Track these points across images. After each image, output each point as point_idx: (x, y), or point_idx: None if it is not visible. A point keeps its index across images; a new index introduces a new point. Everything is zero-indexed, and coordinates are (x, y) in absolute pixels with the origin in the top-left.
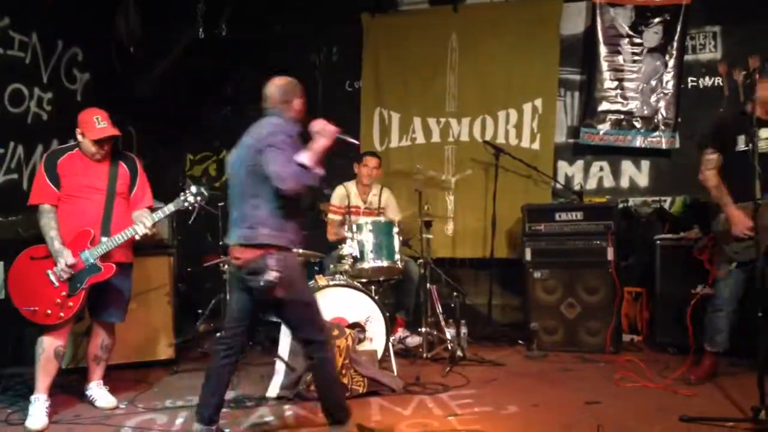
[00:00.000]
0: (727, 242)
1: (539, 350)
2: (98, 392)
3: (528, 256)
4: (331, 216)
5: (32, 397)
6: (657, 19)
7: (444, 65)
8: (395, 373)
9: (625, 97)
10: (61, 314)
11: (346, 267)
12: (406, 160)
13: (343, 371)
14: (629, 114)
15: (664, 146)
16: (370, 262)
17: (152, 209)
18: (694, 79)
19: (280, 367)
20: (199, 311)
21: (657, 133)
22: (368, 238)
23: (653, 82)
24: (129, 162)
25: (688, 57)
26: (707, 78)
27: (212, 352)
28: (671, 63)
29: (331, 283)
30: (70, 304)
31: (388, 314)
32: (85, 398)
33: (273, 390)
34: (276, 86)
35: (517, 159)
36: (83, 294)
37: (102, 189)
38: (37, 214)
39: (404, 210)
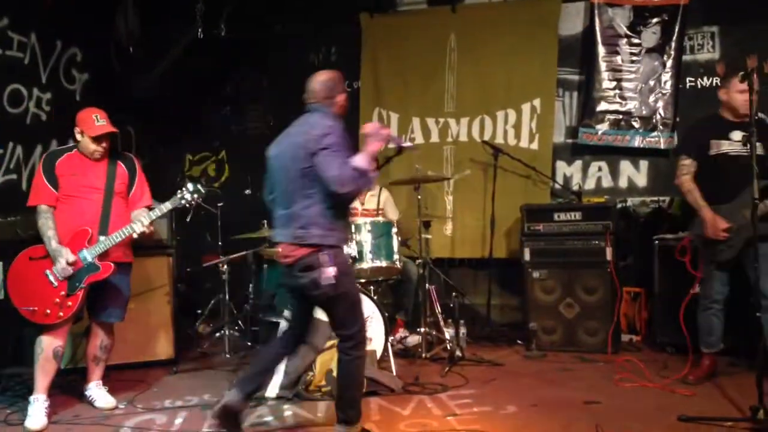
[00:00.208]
0: (703, 244)
1: (538, 350)
2: (97, 392)
3: (527, 256)
4: None
5: (31, 398)
6: (655, 20)
7: (443, 65)
8: (394, 373)
9: (623, 98)
10: (60, 314)
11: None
12: (405, 160)
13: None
14: (627, 114)
15: (662, 146)
16: (368, 263)
17: (151, 209)
18: (693, 79)
19: (279, 368)
20: (199, 311)
21: (655, 133)
22: (367, 239)
23: (651, 83)
24: (127, 162)
25: (686, 57)
26: (705, 78)
27: (275, 337)
28: (669, 63)
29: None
30: (69, 303)
31: (387, 314)
32: (84, 398)
33: (272, 390)
34: (319, 81)
35: (516, 159)
36: (82, 293)
37: (100, 188)
38: (35, 214)
39: (401, 205)
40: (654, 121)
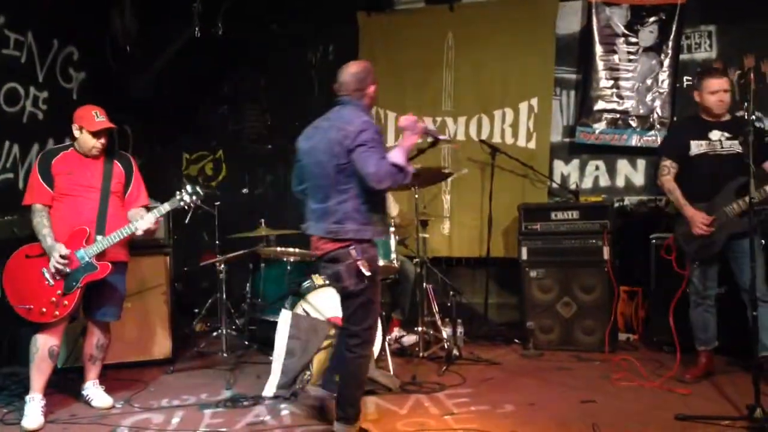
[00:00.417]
0: (686, 242)
1: (535, 349)
2: (94, 392)
3: (524, 255)
4: None
5: (27, 397)
6: (652, 19)
7: (440, 64)
8: (392, 372)
9: (620, 96)
10: (57, 313)
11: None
12: None
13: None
14: (625, 113)
15: (659, 145)
16: None
17: (148, 208)
18: (690, 78)
19: (276, 367)
20: (196, 311)
21: (653, 132)
22: None
23: (649, 82)
24: (124, 161)
25: (684, 56)
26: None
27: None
28: (667, 62)
29: (327, 282)
30: (66, 302)
31: (384, 313)
32: (81, 398)
33: (269, 389)
34: (350, 73)
35: (514, 158)
36: (79, 293)
37: (96, 187)
38: (30, 213)
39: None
40: (651, 120)
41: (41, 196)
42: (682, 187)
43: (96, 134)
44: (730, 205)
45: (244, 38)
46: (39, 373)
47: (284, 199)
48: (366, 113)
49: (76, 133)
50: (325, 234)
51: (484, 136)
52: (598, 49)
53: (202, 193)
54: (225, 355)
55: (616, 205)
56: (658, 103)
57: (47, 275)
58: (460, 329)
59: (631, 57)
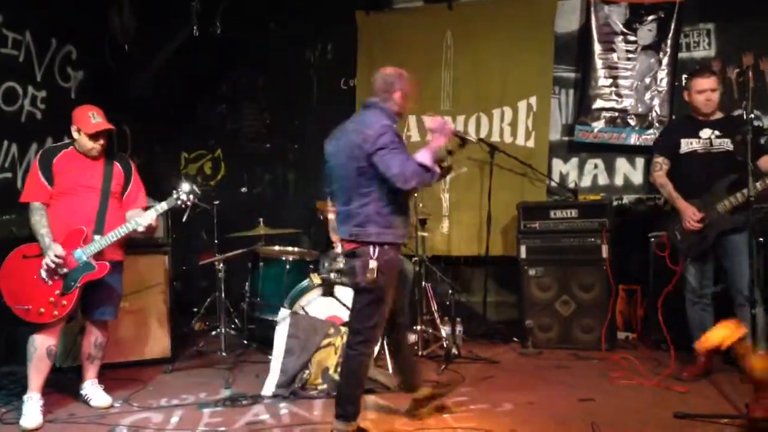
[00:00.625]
0: (678, 239)
1: (534, 347)
2: (93, 391)
3: (523, 253)
4: (331, 216)
5: (25, 396)
6: (651, 17)
7: (439, 63)
8: (390, 371)
9: (619, 95)
10: (55, 313)
11: (341, 265)
12: None
13: (339, 369)
14: (624, 111)
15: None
16: None
17: (146, 209)
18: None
19: (275, 366)
20: (195, 309)
21: (651, 131)
22: None
23: (647, 80)
24: (123, 162)
25: (682, 54)
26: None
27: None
28: (665, 60)
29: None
30: (64, 302)
31: None
32: (79, 397)
33: (268, 388)
34: (380, 75)
35: (512, 157)
36: (77, 292)
37: (96, 188)
38: (28, 211)
39: None
40: (650, 118)
41: (40, 194)
42: (673, 183)
43: (93, 136)
44: (721, 202)
45: (243, 37)
46: (37, 373)
47: (283, 198)
48: (388, 117)
49: (75, 134)
50: (349, 237)
51: (483, 135)
52: (597, 48)
53: (198, 191)
54: (224, 354)
55: (615, 203)
56: (656, 101)
57: (45, 275)
58: (459, 328)
59: (630, 55)
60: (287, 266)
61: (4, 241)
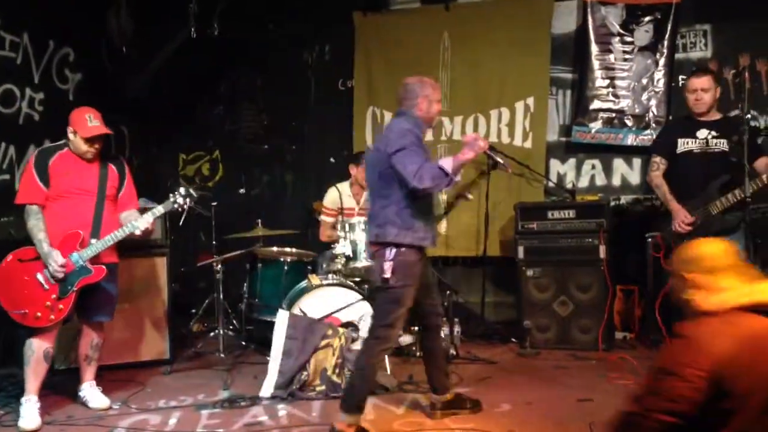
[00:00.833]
0: (671, 239)
1: (532, 348)
2: (91, 393)
3: (521, 254)
4: (323, 218)
5: (23, 399)
6: (648, 18)
7: (436, 64)
8: (388, 372)
9: (616, 96)
10: (52, 317)
11: (339, 266)
12: None
13: (337, 370)
14: (621, 112)
15: (651, 145)
16: (362, 261)
17: (141, 211)
18: (685, 77)
19: (273, 367)
20: (193, 311)
21: (648, 132)
22: (361, 238)
23: (644, 81)
24: (118, 164)
25: (679, 55)
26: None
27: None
28: (662, 61)
29: (324, 282)
30: (61, 306)
31: None
32: (78, 399)
33: (266, 390)
34: (404, 84)
35: (510, 157)
36: (73, 296)
37: (92, 191)
38: (24, 214)
39: None
40: (647, 119)
41: (35, 196)
42: (669, 184)
43: (89, 140)
44: (713, 203)
45: (241, 38)
46: (35, 376)
47: (281, 200)
48: (413, 123)
49: (71, 136)
50: (373, 238)
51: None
52: (594, 49)
53: (195, 194)
54: (222, 355)
55: (612, 204)
56: (653, 102)
57: (41, 279)
58: (456, 328)
59: (627, 56)
60: (285, 267)
61: (3, 243)
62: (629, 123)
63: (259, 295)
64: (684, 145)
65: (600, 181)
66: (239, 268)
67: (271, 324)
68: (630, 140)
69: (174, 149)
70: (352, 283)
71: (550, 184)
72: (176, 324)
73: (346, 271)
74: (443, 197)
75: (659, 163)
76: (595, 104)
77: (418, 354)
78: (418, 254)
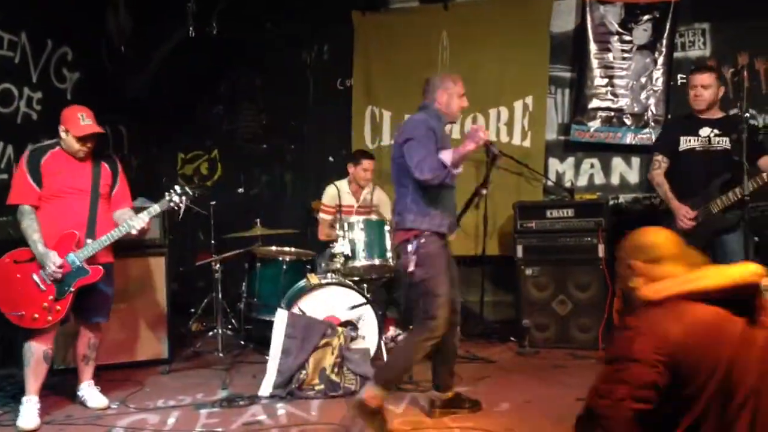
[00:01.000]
0: None
1: (531, 347)
2: (90, 392)
3: (519, 253)
4: (322, 216)
5: (23, 399)
6: (646, 17)
7: (435, 63)
8: None
9: (615, 94)
10: (49, 318)
11: (338, 265)
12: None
13: (336, 369)
14: (619, 111)
15: (654, 143)
16: (361, 260)
17: (135, 210)
18: (684, 76)
19: (272, 366)
20: (192, 310)
21: (647, 130)
22: (360, 237)
23: (643, 79)
24: (110, 162)
25: (678, 54)
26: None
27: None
28: (661, 60)
29: (322, 281)
30: (58, 307)
31: (380, 312)
32: (76, 399)
33: (265, 389)
34: (427, 79)
35: (508, 156)
36: (71, 297)
37: (85, 190)
38: (17, 215)
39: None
40: (645, 117)
41: (28, 196)
42: (671, 182)
43: (81, 139)
44: (713, 202)
45: (239, 38)
46: (34, 377)
47: (280, 199)
48: (431, 116)
49: (62, 134)
50: (395, 226)
51: None
52: (593, 48)
53: (191, 192)
54: (221, 354)
55: (611, 202)
56: (652, 101)
57: (38, 281)
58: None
59: (626, 55)
60: (284, 266)
61: (2, 243)
62: (628, 122)
63: (258, 294)
64: (686, 143)
65: (599, 179)
66: (238, 268)
67: (270, 323)
68: (629, 139)
69: (173, 149)
70: (350, 283)
71: (549, 183)
72: (175, 323)
73: (344, 270)
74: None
75: (661, 161)
76: (594, 103)
77: None
78: (439, 242)
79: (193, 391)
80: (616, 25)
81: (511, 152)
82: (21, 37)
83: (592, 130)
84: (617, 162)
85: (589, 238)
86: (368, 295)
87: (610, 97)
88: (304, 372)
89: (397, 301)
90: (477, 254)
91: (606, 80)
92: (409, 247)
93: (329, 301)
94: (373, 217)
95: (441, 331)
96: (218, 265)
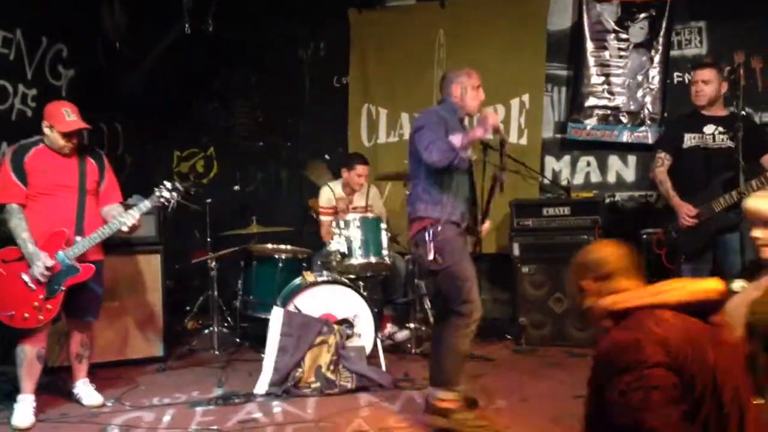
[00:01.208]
0: (674, 235)
1: (527, 345)
2: (85, 390)
3: (516, 251)
4: (322, 218)
5: (18, 397)
6: (643, 15)
7: (431, 61)
8: (384, 369)
9: (611, 93)
10: (40, 317)
11: (334, 263)
12: (393, 155)
13: (332, 367)
14: (616, 109)
15: (650, 141)
16: (357, 258)
17: (126, 206)
18: (680, 74)
19: (268, 364)
20: (187, 308)
21: (643, 128)
22: (356, 235)
23: (639, 78)
24: (96, 157)
25: (674, 52)
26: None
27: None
28: (657, 58)
29: (318, 279)
30: (49, 307)
31: (376, 310)
32: (71, 397)
33: (261, 387)
34: (443, 74)
35: (505, 154)
36: (61, 296)
37: (72, 186)
38: (5, 214)
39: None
40: (642, 116)
41: (15, 195)
42: (674, 179)
43: (67, 135)
44: (716, 200)
45: (235, 35)
46: (29, 377)
47: (276, 197)
48: (446, 109)
49: (46, 130)
50: (408, 215)
51: None
52: (589, 46)
53: (181, 188)
54: (216, 352)
55: (607, 201)
56: (648, 99)
57: (28, 280)
58: None
59: (622, 53)
60: (280, 264)
61: None
62: (624, 120)
63: (254, 292)
64: (691, 140)
65: (595, 177)
66: (234, 266)
67: (266, 321)
68: (625, 137)
69: (168, 146)
70: (346, 281)
71: (545, 181)
72: (170, 321)
73: (340, 268)
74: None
75: (664, 158)
76: (591, 101)
77: (413, 351)
78: (455, 229)
79: (189, 388)
80: (613, 23)
81: (507, 150)
82: (16, 34)
83: (588, 128)
84: (613, 160)
85: (585, 236)
86: (364, 293)
87: (606, 95)
88: (300, 370)
89: (393, 299)
90: (473, 252)
91: (602, 78)
92: (426, 236)
93: (325, 298)
94: (369, 215)
95: (478, 314)
96: (214, 263)
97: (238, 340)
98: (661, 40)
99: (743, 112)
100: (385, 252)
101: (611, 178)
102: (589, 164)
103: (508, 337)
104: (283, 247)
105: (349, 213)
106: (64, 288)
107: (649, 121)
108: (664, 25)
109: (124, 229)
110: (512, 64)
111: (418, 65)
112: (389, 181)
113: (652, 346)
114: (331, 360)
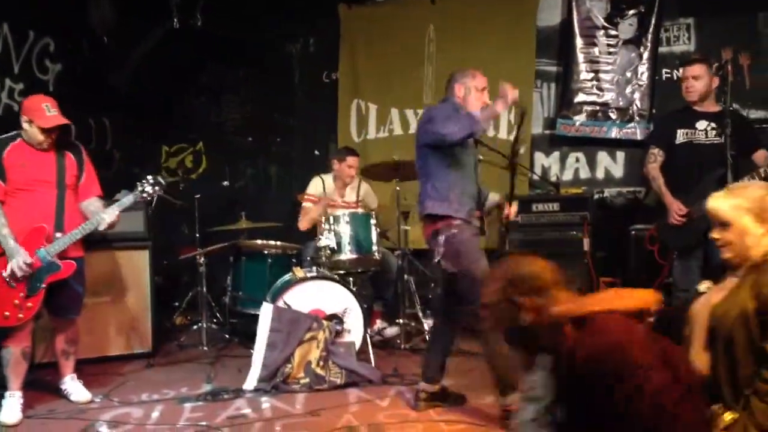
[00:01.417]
0: (666, 231)
1: None
2: (73, 386)
3: (505, 247)
4: (305, 205)
5: (6, 394)
6: (632, 11)
7: (421, 57)
8: (373, 364)
9: (600, 89)
10: (20, 315)
11: (324, 259)
12: (383, 151)
13: (321, 363)
14: (605, 105)
15: (639, 137)
16: (347, 254)
17: (103, 199)
18: (669, 70)
19: (257, 360)
20: (176, 304)
21: (632, 125)
22: (345, 230)
23: (628, 74)
24: (74, 151)
25: (663, 49)
26: (681, 70)
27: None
28: (646, 55)
29: (308, 275)
30: (30, 304)
31: (365, 306)
32: (59, 393)
33: (250, 382)
34: (450, 74)
35: (495, 150)
36: (42, 293)
37: (51, 181)
38: None
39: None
40: (631, 112)
41: None
42: (666, 176)
43: (47, 130)
44: (707, 197)
45: (224, 30)
46: (15, 375)
47: (265, 192)
48: (451, 107)
49: (25, 125)
50: (419, 214)
51: None
52: (579, 42)
53: (164, 182)
54: (205, 348)
55: (596, 197)
56: (637, 95)
57: (8, 278)
58: None
59: (611, 49)
60: (269, 260)
61: None
62: (613, 116)
63: (243, 288)
64: (682, 135)
65: (584, 174)
66: (223, 261)
67: (255, 317)
68: (614, 133)
69: (157, 141)
70: (336, 276)
71: (535, 177)
72: (159, 317)
73: (330, 263)
74: None
75: (657, 154)
76: (580, 97)
77: (403, 347)
78: (468, 228)
79: (178, 384)
80: (602, 20)
81: (497, 146)
82: (3, 28)
83: (577, 124)
84: (602, 156)
85: (574, 232)
86: (354, 289)
87: (595, 91)
88: (289, 365)
89: (383, 294)
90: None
91: (592, 74)
92: (440, 239)
93: (315, 294)
94: (359, 210)
95: None
96: (203, 259)
97: (227, 336)
98: (650, 36)
99: (731, 108)
100: (374, 248)
101: (600, 174)
102: (578, 160)
103: None
104: (272, 242)
105: (338, 209)
106: (44, 285)
107: (637, 118)
108: (653, 21)
109: (101, 227)
110: (502, 60)
111: (408, 61)
112: (375, 171)
113: (640, 349)
114: (321, 356)
